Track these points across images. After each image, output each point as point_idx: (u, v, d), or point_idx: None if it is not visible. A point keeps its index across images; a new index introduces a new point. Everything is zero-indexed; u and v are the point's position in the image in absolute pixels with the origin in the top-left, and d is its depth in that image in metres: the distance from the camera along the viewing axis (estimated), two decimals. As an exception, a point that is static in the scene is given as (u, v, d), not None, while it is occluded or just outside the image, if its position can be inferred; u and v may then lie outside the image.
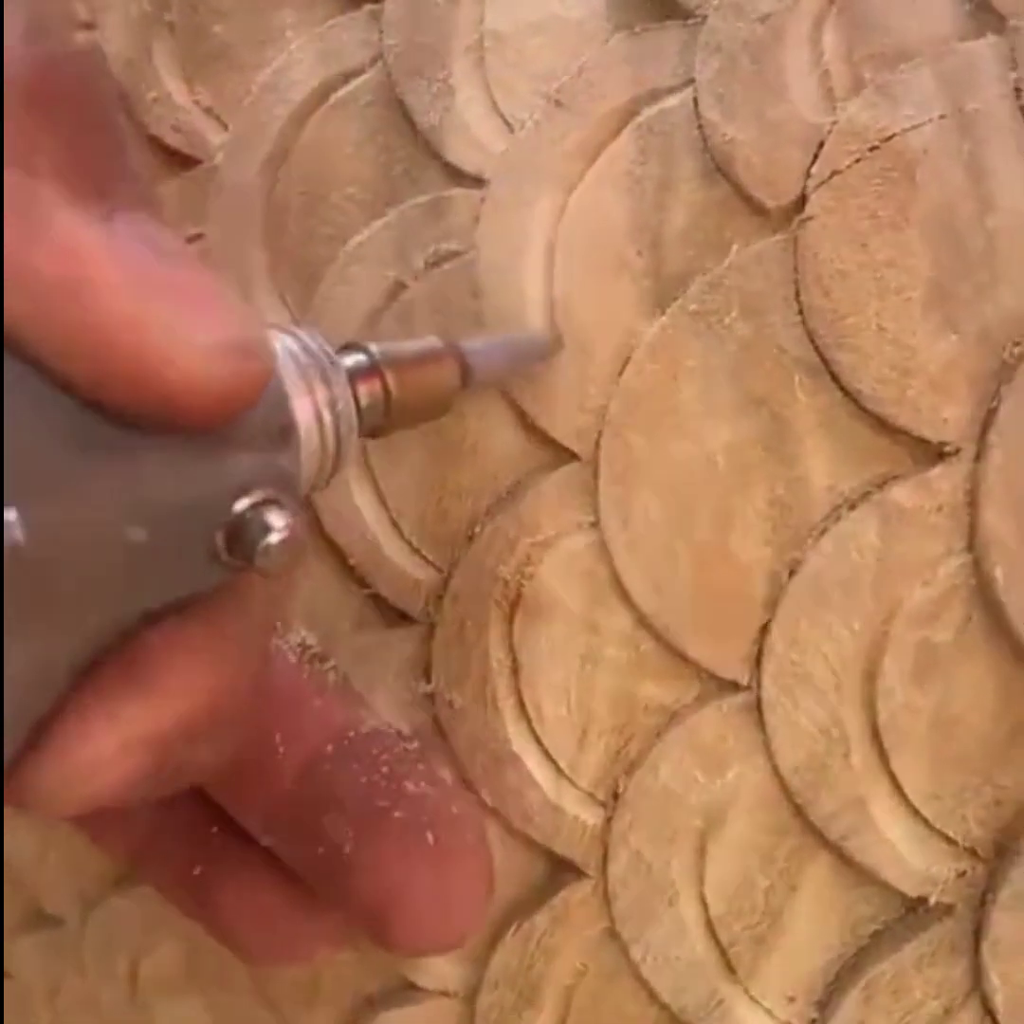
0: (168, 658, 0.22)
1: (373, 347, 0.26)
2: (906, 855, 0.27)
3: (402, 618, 0.31)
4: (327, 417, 0.24)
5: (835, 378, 0.27)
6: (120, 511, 0.21)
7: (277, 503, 0.22)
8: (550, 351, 0.29)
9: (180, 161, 0.34)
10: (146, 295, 0.21)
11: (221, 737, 0.24)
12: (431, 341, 0.27)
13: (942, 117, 0.26)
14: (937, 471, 0.26)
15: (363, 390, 0.25)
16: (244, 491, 0.22)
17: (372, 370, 0.26)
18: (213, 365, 0.21)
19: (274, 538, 0.22)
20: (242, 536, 0.22)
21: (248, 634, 0.24)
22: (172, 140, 0.34)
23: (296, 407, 0.24)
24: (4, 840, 0.36)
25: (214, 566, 0.22)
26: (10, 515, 0.19)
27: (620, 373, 0.29)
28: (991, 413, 0.26)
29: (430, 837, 0.29)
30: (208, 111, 0.34)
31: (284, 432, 0.23)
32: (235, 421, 0.22)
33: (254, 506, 0.22)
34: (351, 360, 0.25)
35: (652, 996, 0.30)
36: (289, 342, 0.24)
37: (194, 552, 0.22)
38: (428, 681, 0.31)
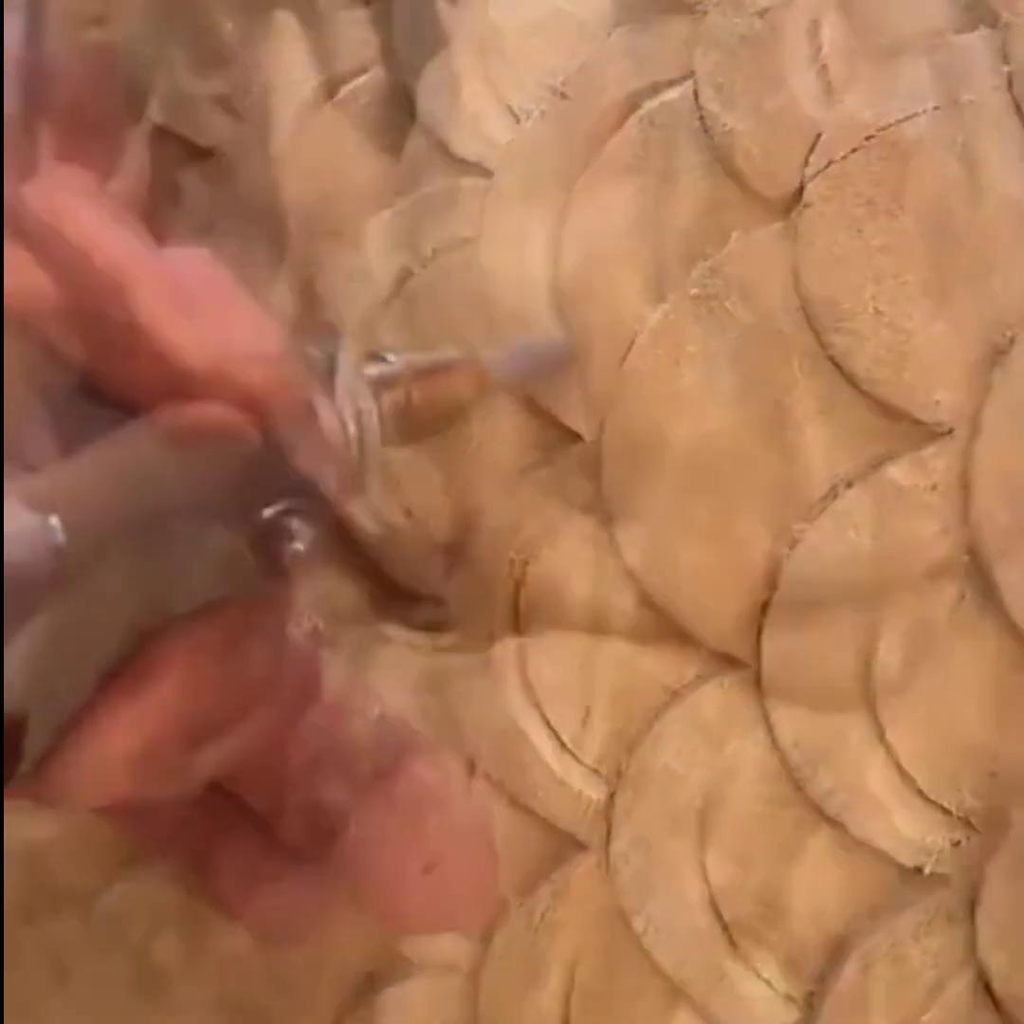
0: (186, 661, 0.22)
1: (396, 357, 0.26)
2: (901, 826, 0.28)
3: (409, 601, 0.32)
4: (352, 428, 0.24)
5: (833, 361, 0.28)
6: (151, 516, 0.21)
7: (302, 512, 0.23)
8: (569, 360, 0.30)
9: (183, 159, 0.34)
10: (164, 301, 0.21)
11: (235, 735, 0.24)
12: (452, 352, 0.28)
13: (936, 108, 0.27)
14: (931, 450, 0.27)
15: (387, 401, 0.25)
16: (270, 499, 0.23)
17: (396, 381, 0.26)
18: (240, 373, 0.21)
19: (298, 545, 0.22)
20: (268, 543, 0.22)
21: (263, 634, 0.24)
22: (175, 138, 0.34)
23: (321, 418, 0.24)
24: (4, 830, 0.36)
25: (240, 570, 0.23)
26: (53, 520, 0.19)
27: (624, 358, 0.29)
28: (983, 395, 0.27)
29: (434, 822, 0.29)
30: (210, 109, 0.34)
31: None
32: (263, 430, 0.22)
33: (280, 514, 0.23)
34: (375, 370, 0.26)
35: (655, 969, 0.30)
36: (314, 352, 0.24)
37: (220, 556, 0.22)
38: (435, 663, 0.31)
